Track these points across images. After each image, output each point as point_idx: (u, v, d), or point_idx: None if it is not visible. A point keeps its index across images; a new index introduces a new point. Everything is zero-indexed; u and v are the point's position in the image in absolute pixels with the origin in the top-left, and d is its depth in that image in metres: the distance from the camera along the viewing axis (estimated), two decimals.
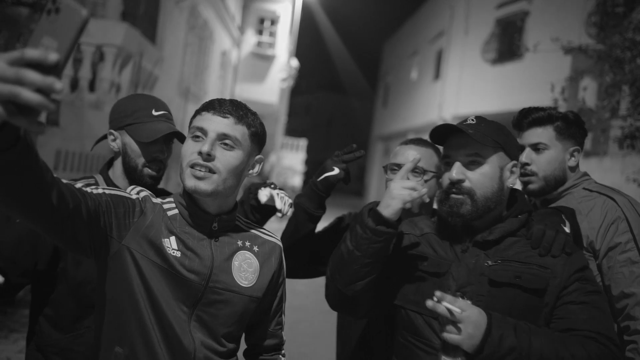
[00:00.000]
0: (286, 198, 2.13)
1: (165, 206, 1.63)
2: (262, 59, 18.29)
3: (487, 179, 1.73)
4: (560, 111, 2.45)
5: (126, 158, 2.03)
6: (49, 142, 6.16)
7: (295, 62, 19.93)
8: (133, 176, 2.03)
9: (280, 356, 1.86)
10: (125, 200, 1.55)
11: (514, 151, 1.81)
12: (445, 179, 1.78)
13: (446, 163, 1.80)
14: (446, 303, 1.56)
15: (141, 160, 2.01)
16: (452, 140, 1.79)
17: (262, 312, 1.77)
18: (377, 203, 1.73)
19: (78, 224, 1.39)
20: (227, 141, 1.57)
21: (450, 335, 1.56)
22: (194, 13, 11.92)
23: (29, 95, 0.91)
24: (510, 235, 1.75)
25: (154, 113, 2.05)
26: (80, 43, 7.64)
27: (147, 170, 2.02)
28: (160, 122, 2.03)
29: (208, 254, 1.60)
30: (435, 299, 1.57)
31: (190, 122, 1.65)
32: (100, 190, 1.51)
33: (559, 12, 13.56)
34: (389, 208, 1.65)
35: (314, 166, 34.26)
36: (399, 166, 2.23)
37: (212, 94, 15.04)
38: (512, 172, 1.78)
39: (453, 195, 1.75)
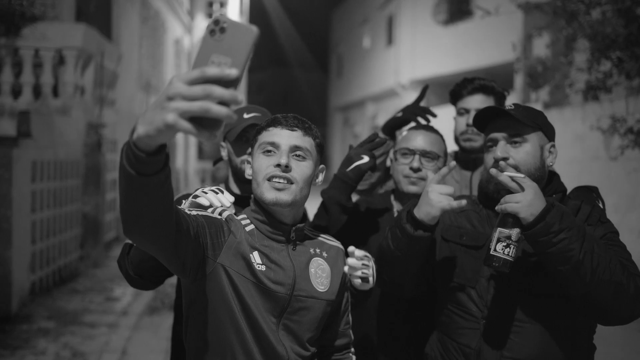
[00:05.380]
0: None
1: (242, 222, 1.69)
2: None
3: (529, 157, 1.84)
4: (499, 86, 2.70)
5: (230, 162, 2.22)
6: (23, 154, 6.05)
7: None
8: (239, 177, 2.17)
9: (351, 354, 1.93)
10: (214, 219, 1.62)
11: (551, 132, 1.93)
12: (490, 159, 1.89)
13: (489, 145, 1.91)
14: (508, 173, 1.66)
15: (238, 159, 2.16)
16: (494, 123, 1.90)
17: (333, 313, 1.83)
18: (414, 205, 1.82)
19: (189, 245, 1.46)
20: (299, 152, 1.65)
21: (510, 204, 1.63)
22: (145, 4, 11.68)
23: (219, 109, 0.95)
24: (546, 213, 1.86)
25: (245, 116, 2.19)
26: (39, 48, 7.45)
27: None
28: (249, 122, 2.16)
29: (289, 264, 1.66)
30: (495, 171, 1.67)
31: (255, 140, 1.71)
32: (194, 212, 1.57)
33: None
34: (428, 215, 1.75)
35: None
36: (410, 150, 2.30)
37: None
38: (550, 152, 1.90)
39: None
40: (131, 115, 10.98)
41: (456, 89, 2.73)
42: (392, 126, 2.66)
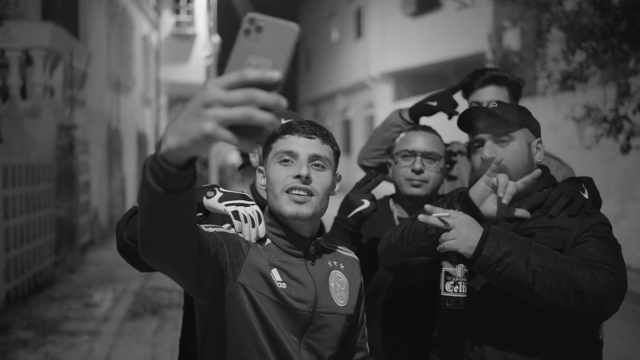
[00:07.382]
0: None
1: None
2: (183, 39, 17.76)
3: (517, 155, 1.82)
4: (513, 75, 2.59)
5: None
6: None
7: (217, 38, 19.50)
8: None
9: None
10: (230, 236, 1.53)
11: (537, 128, 1.91)
12: (478, 160, 1.85)
13: (476, 146, 1.88)
14: (436, 213, 1.64)
15: None
16: (479, 123, 1.86)
17: (351, 327, 1.75)
18: (467, 188, 1.77)
19: (210, 265, 1.38)
20: (318, 162, 1.56)
21: (447, 242, 1.63)
22: (112, 1, 11.42)
23: (262, 116, 0.86)
24: (537, 208, 1.83)
25: (282, 121, 2.07)
26: (5, 49, 7.20)
27: None
28: None
29: (309, 280, 1.59)
30: (425, 214, 1.65)
31: (268, 147, 1.62)
32: (210, 229, 1.49)
33: None
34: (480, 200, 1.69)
35: None
36: (411, 152, 2.25)
37: (140, 82, 14.55)
38: (537, 149, 1.88)
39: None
40: (102, 115, 10.73)
41: (467, 81, 2.58)
42: (422, 113, 2.52)
